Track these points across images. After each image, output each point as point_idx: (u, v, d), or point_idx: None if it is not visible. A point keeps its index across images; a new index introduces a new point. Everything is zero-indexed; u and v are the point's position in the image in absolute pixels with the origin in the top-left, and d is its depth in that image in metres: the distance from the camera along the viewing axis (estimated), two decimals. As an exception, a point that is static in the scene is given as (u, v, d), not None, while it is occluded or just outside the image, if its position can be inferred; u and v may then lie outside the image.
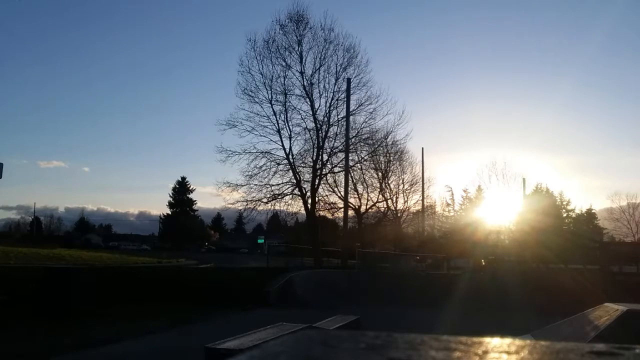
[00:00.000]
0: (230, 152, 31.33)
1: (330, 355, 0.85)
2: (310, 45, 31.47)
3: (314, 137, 32.06)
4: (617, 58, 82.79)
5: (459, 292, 18.66)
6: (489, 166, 43.49)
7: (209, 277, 20.95)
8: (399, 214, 41.46)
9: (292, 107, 32.03)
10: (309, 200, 32.18)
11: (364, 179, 37.65)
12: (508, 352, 0.86)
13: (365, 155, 35.92)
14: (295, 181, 32.15)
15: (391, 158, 38.84)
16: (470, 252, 35.52)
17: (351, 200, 35.05)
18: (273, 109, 31.59)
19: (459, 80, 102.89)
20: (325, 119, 31.99)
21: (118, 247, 72.93)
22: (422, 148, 40.45)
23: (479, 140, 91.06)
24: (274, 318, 9.29)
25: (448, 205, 50.38)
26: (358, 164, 35.61)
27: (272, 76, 31.38)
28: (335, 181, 35.21)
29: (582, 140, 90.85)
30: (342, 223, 33.11)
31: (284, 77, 31.61)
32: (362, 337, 0.93)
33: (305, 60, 31.52)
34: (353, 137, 31.96)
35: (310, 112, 31.89)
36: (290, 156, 31.82)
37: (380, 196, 38.97)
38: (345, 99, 30.04)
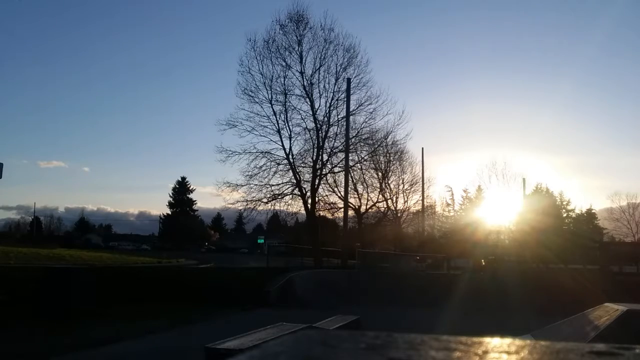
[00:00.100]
0: (230, 152, 31.36)
1: (330, 355, 0.85)
2: (310, 45, 31.50)
3: (314, 137, 32.09)
4: (617, 58, 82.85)
5: (459, 292, 18.66)
6: (489, 166, 43.54)
7: (209, 277, 20.95)
8: (399, 214, 41.47)
9: (292, 107, 32.07)
10: (309, 200, 32.19)
11: (364, 179, 37.70)
12: (508, 352, 0.86)
13: (365, 155, 35.97)
14: (295, 181, 32.18)
15: (391, 158, 38.88)
16: (470, 252, 35.52)
17: (351, 200, 35.08)
18: (273, 109, 31.63)
19: (459, 80, 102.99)
20: (325, 119, 32.03)
21: (114, 247, 72.67)
22: (422, 148, 40.50)
23: (479, 140, 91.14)
24: (274, 318, 9.29)
25: (448, 205, 50.43)
26: (358, 164, 35.65)
27: (272, 76, 31.41)
28: (335, 181, 35.26)
29: (582, 140, 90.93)
30: (342, 223, 33.12)
31: (284, 77, 31.64)
32: (362, 337, 0.93)
33: (305, 60, 31.55)
34: (353, 137, 31.97)
35: (310, 112, 31.93)
36: (290, 156, 31.85)
37: (380, 196, 39.01)
38: (345, 99, 30.06)
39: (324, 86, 31.75)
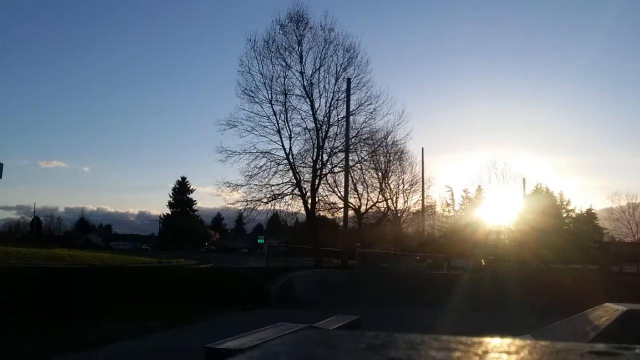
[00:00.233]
0: (230, 152, 31.38)
1: (330, 355, 0.85)
2: (310, 45, 31.52)
3: (314, 137, 32.09)
4: (617, 58, 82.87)
5: (459, 292, 18.67)
6: (489, 166, 43.54)
7: (209, 277, 20.93)
8: (399, 214, 41.46)
9: (292, 107, 32.08)
10: (309, 200, 32.20)
11: (364, 179, 37.71)
12: (508, 352, 0.86)
13: (365, 155, 35.99)
14: (295, 181, 32.19)
15: (391, 158, 38.90)
16: (470, 252, 35.53)
17: (351, 200, 35.08)
18: (273, 109, 31.64)
19: (459, 80, 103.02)
20: (325, 119, 32.04)
21: (113, 247, 72.47)
22: (422, 148, 40.57)
23: (479, 140, 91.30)
24: (274, 318, 9.28)
25: (448, 205, 50.48)
26: (358, 164, 35.66)
27: (272, 76, 31.43)
28: (335, 181, 35.27)
29: (582, 140, 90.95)
30: (342, 223, 33.13)
31: (284, 77, 31.66)
32: (362, 337, 0.93)
33: (305, 60, 31.57)
34: (353, 137, 31.99)
35: (310, 112, 31.94)
36: (290, 156, 31.86)
37: (380, 196, 39.01)
38: (345, 99, 30.08)
39: (324, 86, 31.80)
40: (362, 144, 34.33)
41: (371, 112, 32.62)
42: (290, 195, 32.58)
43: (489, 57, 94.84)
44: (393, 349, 0.86)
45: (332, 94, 31.76)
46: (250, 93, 31.40)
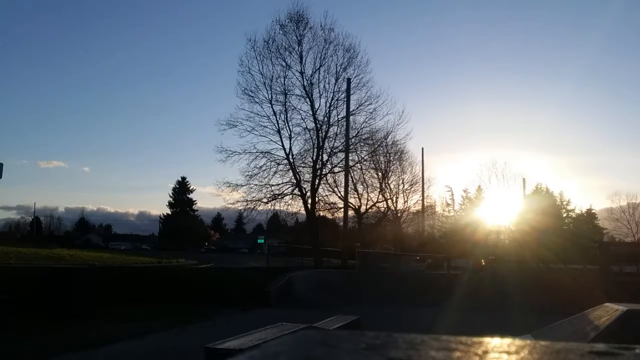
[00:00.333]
0: (230, 152, 31.38)
1: (330, 355, 0.85)
2: (310, 45, 31.52)
3: (314, 137, 32.09)
4: (617, 58, 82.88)
5: (459, 292, 18.67)
6: (489, 166, 43.55)
7: (209, 277, 20.93)
8: (399, 214, 41.46)
9: (292, 107, 32.08)
10: (309, 200, 32.20)
11: (364, 179, 37.71)
12: (508, 352, 0.86)
13: (365, 155, 35.99)
14: (295, 181, 32.19)
15: (391, 158, 38.90)
16: (470, 252, 35.53)
17: (351, 200, 35.08)
18: (273, 109, 31.64)
19: (459, 80, 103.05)
20: (325, 119, 32.04)
21: (112, 247, 72.38)
22: (422, 148, 40.58)
23: (479, 140, 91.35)
24: (274, 318, 9.28)
25: (448, 205, 50.49)
26: (358, 164, 35.66)
27: (272, 76, 31.42)
28: (335, 181, 35.27)
29: (582, 140, 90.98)
30: (342, 223, 33.12)
31: (284, 77, 31.66)
32: (362, 337, 0.93)
33: (305, 60, 31.56)
34: (353, 137, 31.98)
35: (310, 112, 31.94)
36: (290, 156, 31.86)
37: (380, 196, 39.01)
38: (345, 99, 30.07)
39: (324, 86, 31.80)
40: (362, 144, 34.38)
41: (371, 112, 32.67)
42: (290, 195, 32.63)
43: (489, 57, 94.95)
44: (393, 349, 0.86)
45: (332, 94, 31.82)
46: (250, 93, 31.45)
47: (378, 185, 38.53)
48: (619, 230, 57.12)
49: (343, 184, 31.15)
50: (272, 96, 31.46)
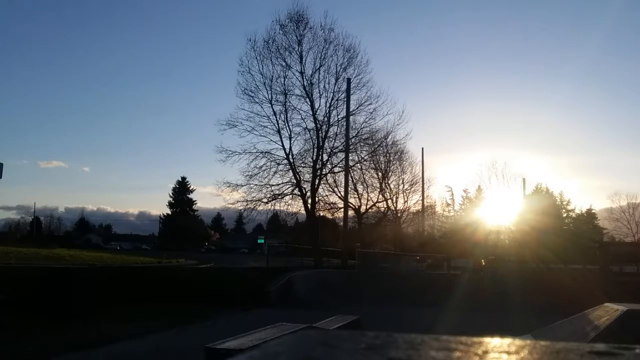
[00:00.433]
0: (230, 152, 31.38)
1: (330, 355, 0.85)
2: (310, 45, 31.52)
3: (314, 137, 32.10)
4: (617, 58, 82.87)
5: (459, 292, 18.67)
6: (489, 166, 43.54)
7: (209, 277, 20.94)
8: (399, 214, 41.46)
9: (292, 107, 32.08)
10: (309, 200, 32.20)
11: (364, 179, 37.71)
12: (508, 352, 0.86)
13: (365, 155, 35.99)
14: (295, 181, 32.19)
15: (391, 158, 38.89)
16: (470, 252, 35.52)
17: (351, 200, 35.08)
18: (273, 109, 31.64)
19: (459, 80, 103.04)
20: (325, 119, 32.04)
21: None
22: (422, 148, 40.56)
23: (479, 140, 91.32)
24: (274, 318, 9.28)
25: (448, 205, 50.48)
26: (358, 164, 35.66)
27: (272, 76, 31.42)
28: (335, 181, 35.26)
29: (582, 140, 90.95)
30: (342, 223, 33.12)
31: (284, 77, 31.66)
32: (362, 337, 0.93)
33: (305, 60, 31.56)
34: (353, 137, 31.98)
35: (310, 112, 31.94)
36: (290, 156, 31.86)
37: (380, 196, 39.01)
38: (345, 99, 30.07)
39: (324, 86, 31.80)
40: (362, 144, 34.38)
41: (371, 112, 32.67)
42: (290, 195, 32.63)
43: (489, 57, 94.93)
44: (393, 349, 0.86)
45: (332, 94, 31.82)
46: (250, 93, 31.45)
47: (378, 185, 38.58)
48: (619, 230, 57.18)
49: (343, 184, 31.19)
50: (272, 96, 31.51)
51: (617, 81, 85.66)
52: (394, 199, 40.44)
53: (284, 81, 31.63)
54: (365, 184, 37.93)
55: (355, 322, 10.13)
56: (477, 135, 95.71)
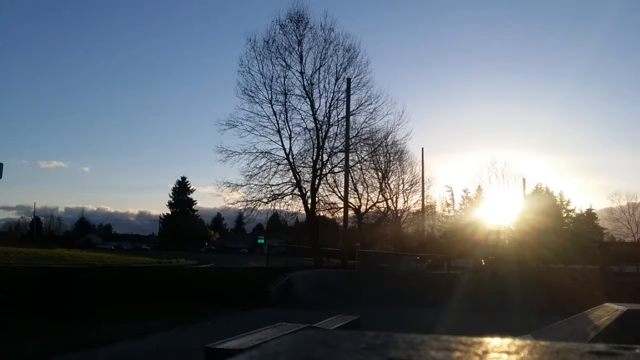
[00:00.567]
0: (230, 152, 31.37)
1: (330, 355, 0.85)
2: (310, 45, 31.51)
3: (314, 137, 32.09)
4: (617, 58, 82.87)
5: (459, 292, 18.66)
6: (489, 166, 43.53)
7: (209, 277, 20.94)
8: (399, 214, 41.46)
9: (292, 107, 32.07)
10: (309, 200, 32.19)
11: (364, 179, 37.70)
12: (508, 352, 0.86)
13: (365, 155, 35.98)
14: (295, 181, 32.18)
15: (391, 158, 38.88)
16: (470, 252, 35.52)
17: (351, 200, 35.07)
18: (273, 109, 31.63)
19: (459, 80, 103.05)
20: (325, 119, 32.03)
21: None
22: (422, 148, 40.56)
23: (479, 140, 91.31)
24: (274, 318, 9.29)
25: (448, 205, 50.45)
26: (358, 164, 35.65)
27: (272, 76, 31.42)
28: (335, 181, 35.26)
29: (582, 140, 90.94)
30: (342, 223, 33.12)
31: (284, 77, 31.65)
32: (362, 337, 0.93)
33: (305, 60, 31.56)
34: (353, 137, 31.97)
35: (310, 112, 31.94)
36: (290, 156, 31.85)
37: (380, 196, 39.00)
38: (345, 99, 30.06)
39: (324, 86, 31.79)
40: (362, 144, 34.37)
41: (371, 112, 32.66)
42: (290, 195, 32.62)
43: (489, 57, 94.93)
44: (393, 349, 0.86)
45: (332, 94, 31.81)
46: (250, 93, 31.44)
47: (378, 185, 38.57)
48: (619, 230, 57.16)
49: (343, 184, 31.18)
50: (272, 96, 31.50)
51: (617, 81, 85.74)
52: (394, 199, 40.48)
53: (284, 81, 31.67)
54: (365, 184, 37.98)
55: (355, 322, 10.13)
56: (477, 135, 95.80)
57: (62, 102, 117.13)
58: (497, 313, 14.63)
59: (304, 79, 31.61)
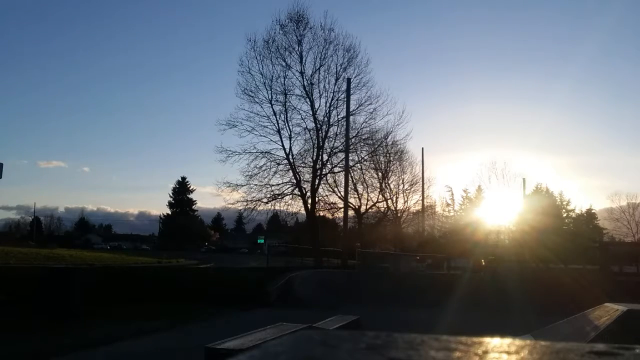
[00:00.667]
0: (230, 152, 31.37)
1: (330, 355, 0.85)
2: (310, 45, 31.50)
3: (314, 137, 32.09)
4: (617, 58, 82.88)
5: (459, 292, 18.64)
6: (489, 166, 43.54)
7: (209, 277, 20.94)
8: (399, 214, 41.45)
9: (292, 107, 32.07)
10: (309, 200, 32.19)
11: (364, 179, 37.69)
12: (508, 352, 0.86)
13: (365, 155, 35.97)
14: (295, 181, 32.19)
15: (391, 158, 38.87)
16: (470, 252, 35.49)
17: (351, 200, 35.06)
18: (273, 109, 31.63)
19: (458, 80, 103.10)
20: (325, 119, 32.03)
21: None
22: (422, 148, 40.51)
23: (479, 140, 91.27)
24: (274, 318, 9.30)
25: (448, 205, 50.38)
26: (358, 164, 35.64)
27: (272, 76, 31.42)
28: (335, 181, 35.25)
29: (582, 140, 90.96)
30: (342, 223, 33.11)
31: (284, 77, 31.65)
32: (362, 337, 0.93)
33: (305, 60, 31.55)
34: (353, 137, 31.96)
35: (310, 112, 31.93)
36: (290, 156, 31.85)
37: (380, 196, 38.99)
38: (345, 99, 30.05)
39: (324, 86, 31.79)
40: (362, 144, 34.36)
41: (371, 112, 32.65)
42: (290, 195, 32.63)
43: (488, 57, 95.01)
44: (393, 349, 0.86)
45: (332, 94, 31.81)
46: (250, 93, 31.44)
47: (378, 185, 38.56)
48: (619, 230, 57.18)
49: (343, 184, 31.15)
50: (272, 96, 31.50)
51: (617, 81, 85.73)
52: (394, 199, 40.47)
53: (284, 81, 31.67)
54: (365, 184, 37.97)
55: (355, 322, 10.14)
56: (477, 135, 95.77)
57: (62, 102, 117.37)
58: (497, 313, 14.63)
59: (304, 79, 31.65)
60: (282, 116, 31.70)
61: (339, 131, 32.39)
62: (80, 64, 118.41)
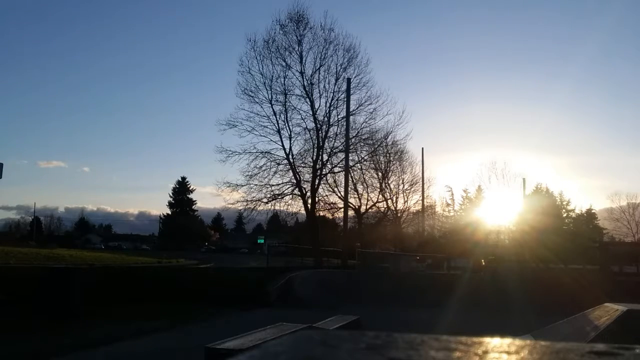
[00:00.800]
0: (230, 152, 31.37)
1: (330, 355, 0.85)
2: (310, 45, 31.50)
3: (314, 137, 32.08)
4: (617, 58, 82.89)
5: (459, 292, 18.64)
6: (489, 166, 43.54)
7: (209, 277, 20.93)
8: (399, 214, 41.44)
9: (292, 107, 32.07)
10: (309, 200, 32.19)
11: (364, 179, 37.68)
12: (508, 352, 0.86)
13: (365, 155, 35.96)
14: (295, 181, 32.18)
15: (391, 158, 38.86)
16: (470, 252, 35.48)
17: (351, 200, 35.06)
18: (273, 109, 31.63)
19: (458, 80, 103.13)
20: (325, 119, 32.02)
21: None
22: (422, 148, 40.49)
23: (479, 140, 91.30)
24: (274, 318, 9.30)
25: (448, 205, 50.38)
26: (358, 164, 35.64)
27: (272, 76, 31.41)
28: (335, 181, 35.24)
29: (582, 140, 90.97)
30: (342, 223, 33.10)
31: (284, 77, 31.64)
32: (362, 337, 0.93)
33: (305, 60, 31.55)
34: (353, 137, 31.96)
35: (310, 112, 31.93)
36: (290, 156, 31.85)
37: (380, 196, 38.98)
38: (345, 99, 30.04)
39: (324, 86, 31.78)
40: (362, 144, 34.35)
41: (371, 112, 32.64)
42: (290, 195, 32.62)
43: (488, 57, 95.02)
44: (393, 349, 0.86)
45: (332, 94, 31.80)
46: (250, 93, 31.43)
47: (378, 185, 38.55)
48: (619, 230, 57.17)
49: (343, 184, 31.15)
50: (272, 96, 31.49)
51: (618, 81, 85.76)
52: (394, 199, 40.47)
53: (284, 81, 31.66)
54: (365, 184, 37.96)
55: (355, 322, 10.14)
56: (477, 135, 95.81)
57: (62, 102, 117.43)
58: (497, 313, 14.62)
59: (304, 79, 31.65)
60: (282, 116, 31.74)
61: (339, 131, 32.44)
62: (80, 64, 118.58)
